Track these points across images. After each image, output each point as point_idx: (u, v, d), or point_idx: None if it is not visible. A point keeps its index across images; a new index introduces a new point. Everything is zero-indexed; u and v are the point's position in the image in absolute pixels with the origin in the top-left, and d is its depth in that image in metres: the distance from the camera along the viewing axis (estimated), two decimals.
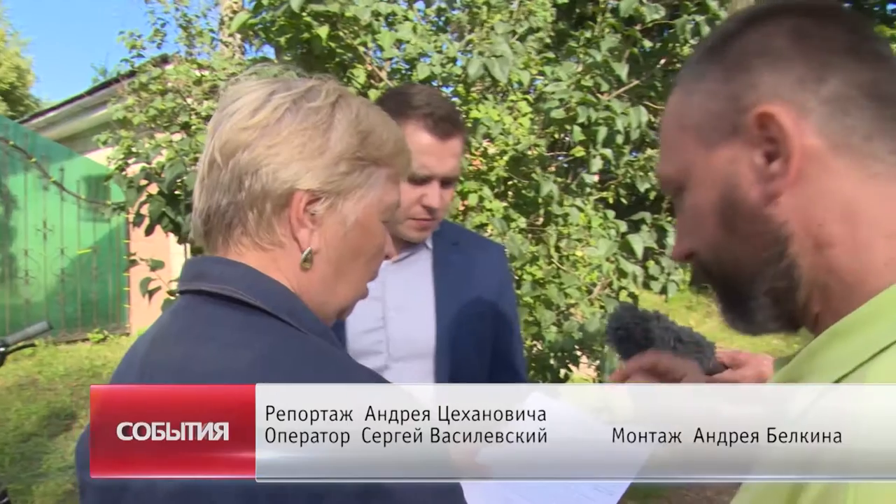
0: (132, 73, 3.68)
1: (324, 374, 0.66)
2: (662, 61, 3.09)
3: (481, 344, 1.38)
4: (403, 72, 2.61)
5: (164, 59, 3.81)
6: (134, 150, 3.31)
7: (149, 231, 2.51)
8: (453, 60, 2.54)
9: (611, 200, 3.00)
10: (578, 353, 2.61)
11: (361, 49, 2.54)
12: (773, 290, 0.59)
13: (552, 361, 2.66)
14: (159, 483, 0.63)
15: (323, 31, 2.29)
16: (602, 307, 2.41)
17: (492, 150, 2.81)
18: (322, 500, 0.59)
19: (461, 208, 2.73)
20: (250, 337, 0.69)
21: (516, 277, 2.63)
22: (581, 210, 2.80)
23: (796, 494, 0.50)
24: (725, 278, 0.64)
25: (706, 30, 2.52)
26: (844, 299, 0.56)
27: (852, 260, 0.55)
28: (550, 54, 3.00)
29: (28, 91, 27.69)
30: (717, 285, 0.65)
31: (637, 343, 1.00)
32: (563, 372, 2.71)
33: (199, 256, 0.77)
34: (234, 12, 3.10)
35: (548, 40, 3.07)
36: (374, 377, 0.70)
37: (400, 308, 1.34)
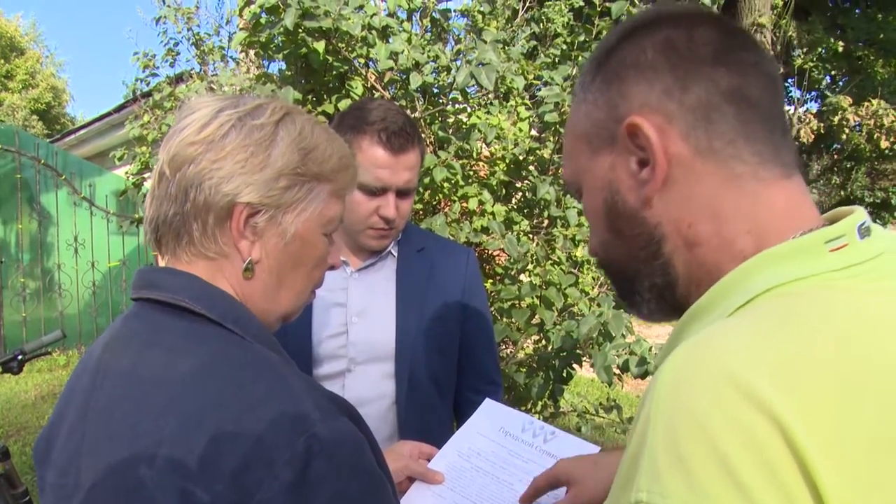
0: (150, 93, 3.81)
1: (261, 382, 0.69)
2: None
3: (443, 346, 1.40)
4: (400, 82, 2.67)
5: (180, 78, 3.94)
6: (151, 165, 3.45)
7: None
8: (448, 70, 2.59)
9: None
10: (580, 351, 2.64)
11: (360, 61, 2.61)
12: (654, 287, 0.63)
13: (555, 361, 2.69)
14: (109, 480, 0.67)
15: (319, 46, 2.35)
16: (599, 305, 2.44)
17: (493, 155, 2.86)
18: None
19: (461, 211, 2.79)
20: (193, 344, 0.72)
21: (522, 280, 2.67)
22: (582, 213, 2.83)
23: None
24: (615, 275, 0.68)
25: None
26: None
27: (717, 255, 0.59)
28: (547, 59, 3.04)
29: (64, 110, 28.44)
30: (612, 281, 0.70)
31: None
32: (565, 371, 2.74)
33: (151, 266, 0.80)
34: (243, 29, 3.20)
35: (564, 46, 3.09)
36: (310, 385, 0.71)
37: (362, 314, 1.37)
